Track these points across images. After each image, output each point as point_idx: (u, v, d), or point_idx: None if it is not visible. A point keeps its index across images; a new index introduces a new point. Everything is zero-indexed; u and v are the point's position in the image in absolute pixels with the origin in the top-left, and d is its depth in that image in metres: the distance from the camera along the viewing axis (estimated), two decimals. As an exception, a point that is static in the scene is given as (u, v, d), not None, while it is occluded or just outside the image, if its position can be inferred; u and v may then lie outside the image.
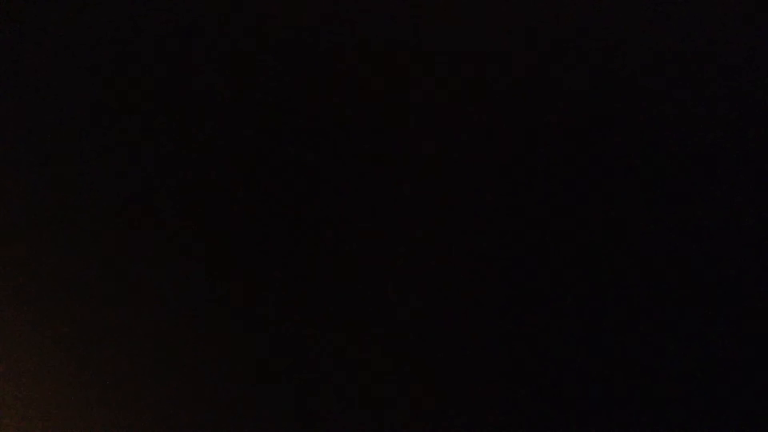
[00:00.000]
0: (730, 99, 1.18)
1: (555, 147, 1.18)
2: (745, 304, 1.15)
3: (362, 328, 1.17)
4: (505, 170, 1.18)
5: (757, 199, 1.16)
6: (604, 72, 1.18)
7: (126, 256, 1.18)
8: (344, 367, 1.16)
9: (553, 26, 1.19)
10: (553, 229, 1.17)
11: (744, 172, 1.17)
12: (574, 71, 1.18)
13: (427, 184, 1.18)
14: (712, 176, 1.17)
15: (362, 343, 1.17)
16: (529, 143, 1.18)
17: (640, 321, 1.15)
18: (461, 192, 1.18)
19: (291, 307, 1.17)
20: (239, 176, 1.19)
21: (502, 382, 1.16)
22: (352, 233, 1.18)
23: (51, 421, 1.16)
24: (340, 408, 1.16)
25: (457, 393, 1.16)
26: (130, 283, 1.17)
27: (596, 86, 1.18)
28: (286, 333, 1.17)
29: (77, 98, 1.20)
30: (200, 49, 1.20)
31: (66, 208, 1.19)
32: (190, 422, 1.16)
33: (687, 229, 1.16)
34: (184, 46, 1.20)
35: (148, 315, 1.17)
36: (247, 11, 1.21)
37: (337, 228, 1.18)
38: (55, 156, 1.19)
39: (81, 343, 1.17)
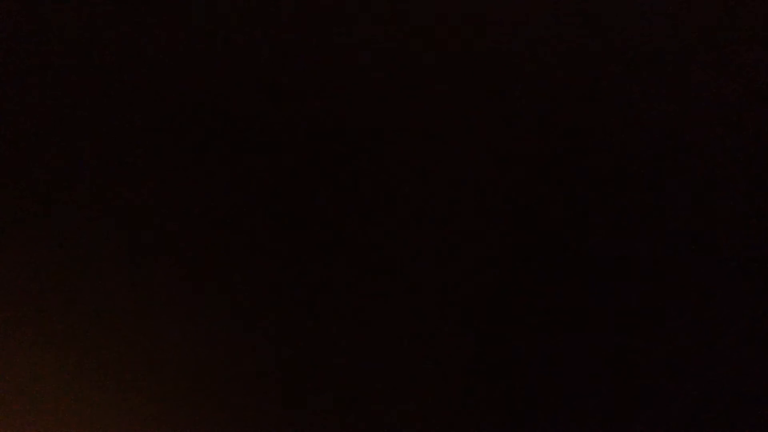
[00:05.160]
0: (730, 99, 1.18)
1: (554, 147, 1.18)
2: (745, 305, 1.15)
3: (361, 328, 1.17)
4: (504, 170, 1.18)
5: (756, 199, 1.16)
6: (603, 72, 1.18)
7: (126, 256, 1.18)
8: (343, 367, 1.17)
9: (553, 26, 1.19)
10: (554, 230, 1.17)
11: (743, 173, 1.17)
12: (575, 71, 1.19)
13: (426, 185, 1.18)
14: (711, 176, 1.17)
15: (362, 342, 1.17)
16: (528, 143, 1.18)
17: (639, 321, 1.16)
18: (459, 192, 1.18)
19: (290, 308, 1.17)
20: (239, 175, 1.19)
21: (501, 383, 1.16)
22: (351, 233, 1.18)
23: (50, 420, 1.16)
24: (338, 408, 1.16)
25: (456, 393, 1.16)
26: (131, 282, 1.18)
27: (596, 86, 1.18)
28: (286, 333, 1.17)
29: (74, 98, 1.20)
30: (199, 48, 1.20)
31: (65, 207, 1.19)
32: (190, 422, 1.16)
33: (686, 230, 1.16)
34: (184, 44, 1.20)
35: (147, 314, 1.17)
36: (246, 13, 1.21)
37: (336, 228, 1.18)
38: (54, 156, 1.19)
39: (81, 343, 1.17)
